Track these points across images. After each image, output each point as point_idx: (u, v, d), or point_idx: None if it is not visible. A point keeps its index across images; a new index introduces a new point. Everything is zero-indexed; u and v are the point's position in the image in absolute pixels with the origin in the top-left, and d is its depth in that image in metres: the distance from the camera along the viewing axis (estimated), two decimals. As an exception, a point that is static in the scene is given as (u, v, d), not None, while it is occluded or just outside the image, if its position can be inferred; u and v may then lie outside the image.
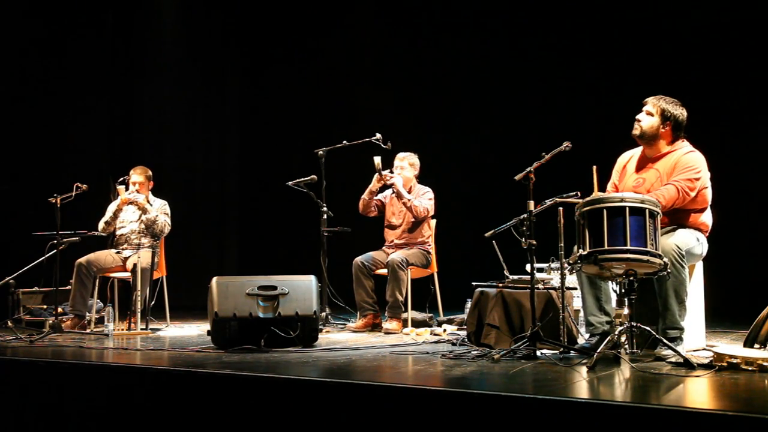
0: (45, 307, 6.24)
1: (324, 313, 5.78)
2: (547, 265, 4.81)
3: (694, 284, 4.21)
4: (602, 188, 4.19)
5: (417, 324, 5.64)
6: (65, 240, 5.48)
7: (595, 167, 4.10)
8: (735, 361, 3.34)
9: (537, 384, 3.20)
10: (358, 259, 5.75)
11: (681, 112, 4.20)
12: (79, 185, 5.52)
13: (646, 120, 4.20)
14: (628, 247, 3.59)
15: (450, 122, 8.17)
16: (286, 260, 8.35)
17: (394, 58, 8.49)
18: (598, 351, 3.58)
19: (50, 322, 5.43)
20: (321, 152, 6.12)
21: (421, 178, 6.02)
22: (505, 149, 7.24)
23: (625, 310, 3.66)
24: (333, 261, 6.03)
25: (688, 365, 3.41)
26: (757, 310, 3.74)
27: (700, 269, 4.32)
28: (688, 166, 4.08)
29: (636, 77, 6.83)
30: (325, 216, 6.02)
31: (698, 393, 2.99)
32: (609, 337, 3.69)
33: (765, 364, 3.28)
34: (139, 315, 5.49)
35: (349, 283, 5.75)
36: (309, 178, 6.01)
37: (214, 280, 4.63)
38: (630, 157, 4.38)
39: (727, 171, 4.84)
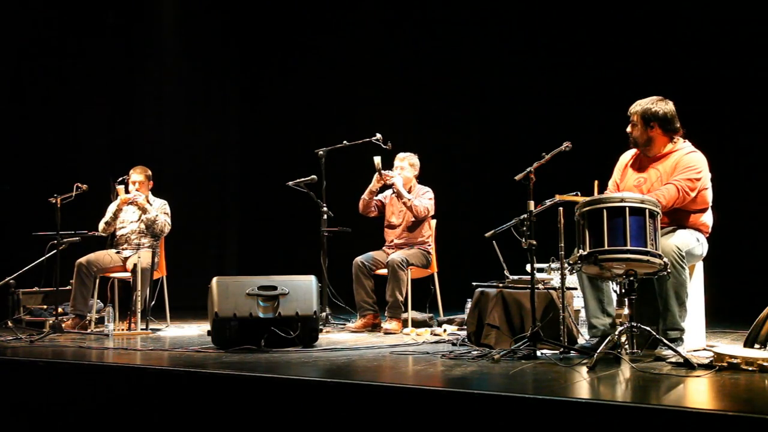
0: (45, 307, 6.24)
1: (324, 313, 5.78)
2: (547, 265, 4.81)
3: (694, 284, 4.21)
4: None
5: (417, 324, 5.64)
6: (65, 240, 5.48)
7: (596, 182, 4.10)
8: (735, 361, 3.34)
9: (537, 384, 3.20)
10: (358, 258, 5.75)
11: (661, 107, 4.14)
12: (79, 185, 5.52)
13: (634, 131, 4.22)
14: (628, 247, 3.59)
15: (450, 122, 8.16)
16: (286, 260, 8.34)
17: (394, 58, 8.49)
18: (598, 351, 3.58)
19: (50, 322, 5.43)
20: (321, 152, 6.12)
21: (421, 178, 6.02)
22: (505, 149, 7.24)
23: (626, 310, 3.66)
24: (333, 261, 6.02)
25: (688, 365, 3.41)
26: (757, 310, 3.74)
27: (700, 269, 4.31)
28: (689, 166, 4.08)
29: (636, 77, 6.82)
30: (325, 216, 6.02)
31: (698, 393, 2.99)
32: (609, 337, 3.69)
33: (765, 364, 3.28)
34: (139, 315, 5.49)
35: (349, 283, 5.75)
36: (309, 178, 6.01)
37: (214, 280, 4.63)
38: (632, 156, 4.37)
39: (727, 171, 4.84)
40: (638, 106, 4.20)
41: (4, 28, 7.89)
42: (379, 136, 5.98)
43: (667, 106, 4.17)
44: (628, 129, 4.24)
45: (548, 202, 4.09)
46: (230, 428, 3.36)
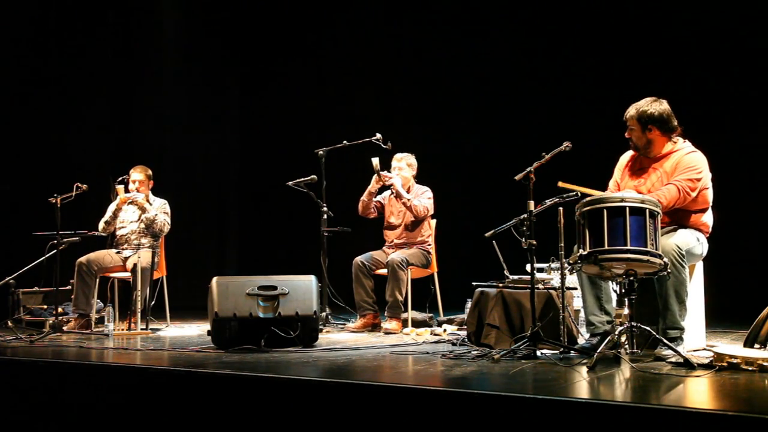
0: (45, 307, 6.24)
1: (324, 313, 5.78)
2: (547, 265, 4.81)
3: (694, 284, 4.21)
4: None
5: (417, 324, 5.64)
6: (65, 240, 5.48)
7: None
8: (735, 361, 3.34)
9: (537, 384, 3.20)
10: (359, 258, 5.75)
11: (656, 109, 4.11)
12: (79, 185, 5.51)
13: (633, 136, 4.20)
14: (628, 247, 3.59)
15: (450, 122, 8.17)
16: (286, 260, 8.34)
17: (394, 59, 8.49)
18: (598, 351, 3.58)
19: (50, 322, 5.43)
20: (321, 152, 6.12)
21: (422, 179, 6.02)
22: (505, 149, 7.24)
23: (626, 310, 3.67)
24: (333, 261, 6.02)
25: (688, 365, 3.41)
26: (757, 310, 3.74)
27: (700, 269, 4.31)
28: (689, 166, 4.07)
29: (636, 77, 6.83)
30: (325, 216, 6.02)
31: (698, 393, 2.99)
32: (609, 337, 3.70)
33: (765, 364, 3.28)
34: (139, 315, 5.49)
35: (349, 283, 5.75)
36: (309, 178, 6.01)
37: (214, 280, 4.63)
38: (632, 156, 4.36)
39: (727, 171, 4.84)
40: (633, 110, 4.16)
41: (3, 28, 7.89)
42: (379, 136, 5.99)
43: (661, 106, 4.13)
44: (627, 134, 4.23)
45: (548, 202, 4.09)
46: (230, 428, 3.36)
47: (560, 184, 4.05)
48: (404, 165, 5.90)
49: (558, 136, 4.27)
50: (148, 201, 5.97)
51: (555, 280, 4.54)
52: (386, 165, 5.93)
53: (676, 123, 4.16)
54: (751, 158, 6.61)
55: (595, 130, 6.39)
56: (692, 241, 4.08)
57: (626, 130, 4.22)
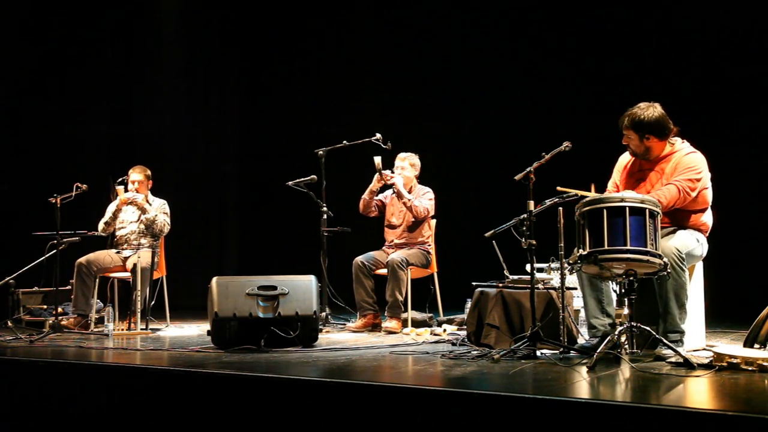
0: (45, 307, 6.24)
1: (324, 313, 5.78)
2: (547, 265, 4.81)
3: (694, 284, 4.21)
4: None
5: (417, 324, 5.64)
6: (65, 240, 5.48)
7: (593, 185, 4.10)
8: (735, 361, 3.34)
9: (537, 384, 3.20)
10: (359, 258, 5.75)
11: (651, 115, 4.06)
12: (79, 185, 5.52)
13: (631, 143, 4.18)
14: (628, 247, 3.59)
15: (450, 122, 8.16)
16: (286, 260, 8.34)
17: (394, 58, 8.48)
18: (598, 351, 3.58)
19: (50, 322, 5.43)
20: (321, 152, 6.12)
21: (421, 179, 6.02)
22: (505, 149, 7.24)
23: (625, 310, 3.67)
24: (333, 261, 6.03)
25: (688, 365, 3.41)
26: (757, 310, 3.74)
27: (700, 269, 4.31)
28: (689, 166, 4.07)
29: (636, 77, 6.82)
30: (325, 216, 6.03)
31: (698, 393, 2.99)
32: (609, 337, 3.70)
33: (765, 364, 3.28)
34: (139, 315, 5.49)
35: (349, 283, 5.75)
36: (309, 178, 6.01)
37: (214, 280, 4.63)
38: (631, 156, 4.36)
39: (727, 171, 4.84)
40: (628, 119, 4.11)
41: (3, 28, 7.89)
42: (379, 136, 5.99)
43: (656, 111, 4.09)
44: (624, 142, 4.20)
45: (548, 202, 4.09)
46: (230, 428, 3.36)
47: (559, 189, 4.04)
48: (407, 165, 5.91)
49: (558, 136, 4.27)
50: (147, 201, 5.97)
51: (555, 280, 4.54)
52: (390, 164, 5.93)
53: (671, 125, 4.14)
54: (751, 158, 6.61)
55: (595, 130, 6.37)
56: (692, 242, 4.07)
57: (622, 136, 4.21)
